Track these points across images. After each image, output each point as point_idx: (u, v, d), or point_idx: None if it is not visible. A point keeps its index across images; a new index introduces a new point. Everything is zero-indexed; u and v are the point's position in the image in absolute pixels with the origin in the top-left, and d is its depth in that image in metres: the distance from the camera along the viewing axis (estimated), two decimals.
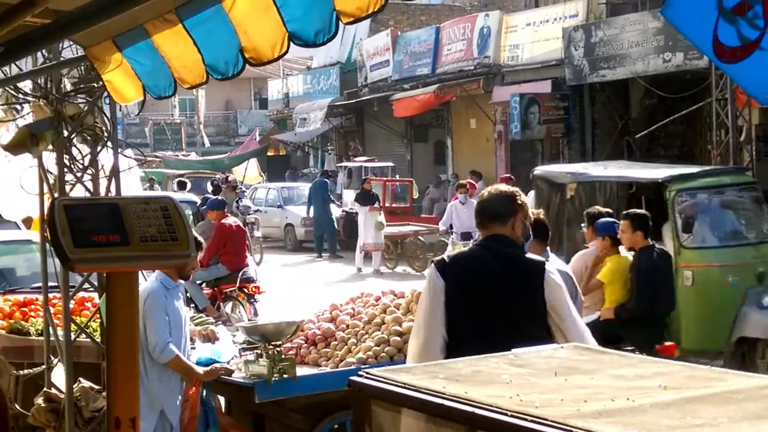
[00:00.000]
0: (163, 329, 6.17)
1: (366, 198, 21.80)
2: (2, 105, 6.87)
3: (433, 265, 4.72)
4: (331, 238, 24.64)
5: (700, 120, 20.30)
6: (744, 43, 4.30)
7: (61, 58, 6.23)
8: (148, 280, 6.40)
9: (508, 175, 20.93)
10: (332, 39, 3.89)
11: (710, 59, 5.39)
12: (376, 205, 21.71)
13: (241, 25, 4.23)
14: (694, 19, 4.57)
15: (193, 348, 6.77)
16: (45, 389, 6.60)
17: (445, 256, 4.80)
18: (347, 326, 6.94)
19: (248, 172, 39.13)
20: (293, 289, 18.32)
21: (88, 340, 6.62)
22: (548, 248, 6.35)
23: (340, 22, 3.76)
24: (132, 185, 10.23)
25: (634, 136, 21.53)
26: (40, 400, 6.51)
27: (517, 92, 23.20)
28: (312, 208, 24.60)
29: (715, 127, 17.53)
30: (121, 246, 3.03)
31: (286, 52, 4.09)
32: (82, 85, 6.38)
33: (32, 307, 8.15)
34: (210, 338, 6.83)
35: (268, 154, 43.11)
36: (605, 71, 21.21)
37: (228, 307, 13.20)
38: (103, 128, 6.38)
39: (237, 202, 23.48)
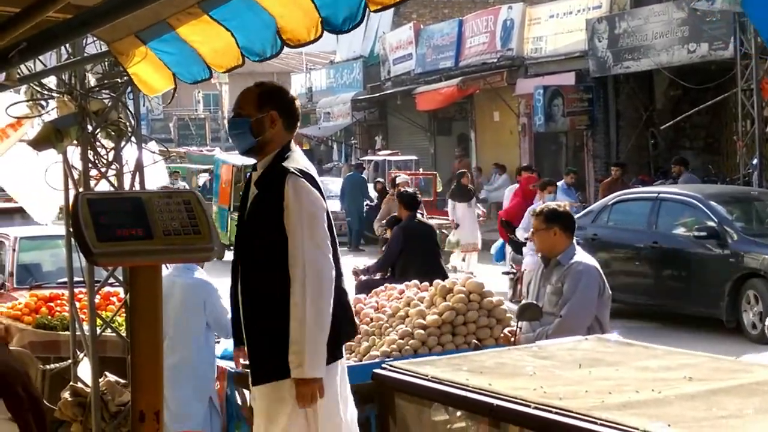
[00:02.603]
0: None
1: (462, 194, 19.26)
2: (27, 101, 6.89)
3: None
4: (358, 232, 24.69)
5: (726, 111, 20.18)
6: None
7: (85, 54, 6.25)
8: (190, 273, 6.61)
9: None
10: (358, 26, 3.88)
11: None
12: (474, 201, 19.25)
13: (274, 9, 4.23)
14: (759, 10, 4.56)
15: (218, 342, 6.86)
16: (71, 383, 6.64)
17: None
18: (371, 320, 6.93)
19: None
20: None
21: (114, 334, 6.64)
22: (575, 240, 6.32)
23: (368, 10, 3.75)
24: (158, 180, 10.27)
25: (658, 128, 21.42)
26: (66, 395, 6.54)
27: (540, 84, 23.11)
28: (345, 202, 24.71)
29: (741, 118, 17.44)
30: (144, 240, 3.04)
31: (321, 36, 4.09)
32: (106, 81, 6.39)
33: (58, 302, 8.20)
34: None
35: None
36: (629, 62, 21.10)
37: None
38: (127, 123, 6.40)
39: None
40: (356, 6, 3.77)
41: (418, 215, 12.64)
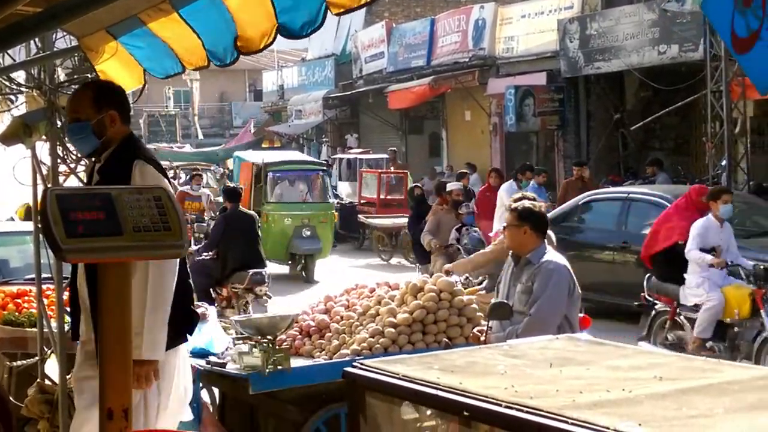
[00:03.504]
0: None
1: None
2: None
3: None
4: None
5: (695, 112, 20.32)
6: (750, 33, 4.35)
7: (55, 49, 6.21)
8: None
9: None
10: (317, 30, 3.89)
11: (730, 52, 5.53)
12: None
13: (237, 14, 4.22)
14: (718, 12, 4.62)
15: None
16: (38, 380, 6.59)
17: None
18: (342, 318, 6.92)
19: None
20: (290, 282, 18.33)
21: None
22: (545, 242, 6.33)
23: (329, 13, 3.75)
24: None
25: (629, 129, 21.54)
26: (33, 392, 6.49)
27: (512, 84, 23.18)
28: None
29: (710, 120, 17.54)
30: (113, 236, 3.01)
31: (272, 42, 4.10)
32: (75, 76, 6.35)
33: (26, 298, 8.12)
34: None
35: (263, 146, 43.09)
36: (600, 63, 21.20)
37: None
38: None
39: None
40: (315, 11, 3.78)
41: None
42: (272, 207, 19.73)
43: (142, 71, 5.38)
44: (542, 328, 5.65)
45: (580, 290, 6.26)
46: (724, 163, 17.31)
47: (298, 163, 21.81)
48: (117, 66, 5.47)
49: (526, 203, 6.41)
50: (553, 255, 6.27)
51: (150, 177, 4.57)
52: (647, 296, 11.18)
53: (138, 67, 5.35)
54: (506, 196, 15.05)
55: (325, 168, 22.49)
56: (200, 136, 51.94)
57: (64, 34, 5.92)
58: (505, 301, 6.12)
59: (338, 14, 3.77)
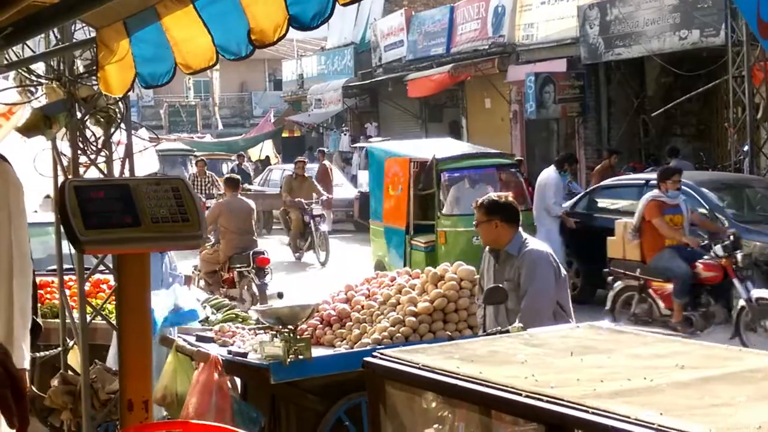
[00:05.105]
0: None
1: None
2: (16, 87, 6.86)
3: None
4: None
5: (717, 98, 20.17)
6: None
7: (74, 40, 6.22)
8: None
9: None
10: (326, 21, 3.85)
11: (756, 36, 5.51)
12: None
13: (249, 7, 4.19)
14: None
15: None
16: (61, 371, 6.62)
17: None
18: (362, 307, 6.92)
19: (263, 154, 39.25)
20: (310, 273, 18.33)
21: (104, 322, 6.62)
22: (520, 230, 6.24)
23: (337, 4, 3.71)
24: (150, 166, 10.23)
25: (650, 115, 21.41)
26: (56, 383, 6.53)
27: (532, 71, 23.06)
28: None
29: (732, 105, 17.42)
30: (132, 227, 3.01)
31: (285, 35, 4.06)
32: (94, 67, 6.35)
33: (48, 289, 8.16)
34: None
35: (283, 135, 43.12)
36: (621, 49, 21.06)
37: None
38: (117, 110, 6.36)
39: None
40: (326, 1, 3.73)
41: None
42: (451, 222, 13.65)
43: (132, 78, 5.29)
44: (536, 319, 5.52)
45: (565, 272, 6.20)
46: (746, 148, 17.19)
47: (482, 157, 15.08)
48: (116, 68, 5.40)
49: (492, 196, 6.32)
50: (532, 243, 6.19)
51: (11, 177, 4.07)
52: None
53: (131, 73, 5.27)
54: (553, 183, 14.92)
55: (516, 163, 16.17)
56: (220, 126, 52.01)
57: (83, 25, 5.93)
58: (500, 285, 6.02)
59: (345, 5, 3.73)
